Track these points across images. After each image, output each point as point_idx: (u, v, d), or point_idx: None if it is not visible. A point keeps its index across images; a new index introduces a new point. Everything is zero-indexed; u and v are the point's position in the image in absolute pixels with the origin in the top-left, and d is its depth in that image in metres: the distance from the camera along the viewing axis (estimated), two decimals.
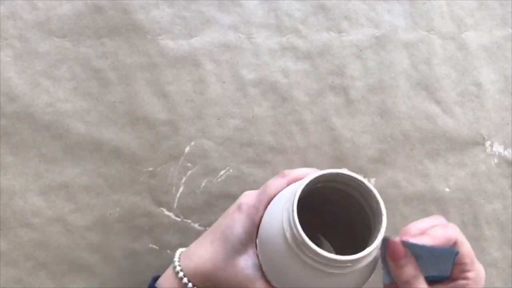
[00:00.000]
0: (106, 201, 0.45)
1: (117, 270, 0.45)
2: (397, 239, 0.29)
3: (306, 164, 0.48)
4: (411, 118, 0.49)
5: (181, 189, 0.46)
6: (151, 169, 0.45)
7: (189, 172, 0.46)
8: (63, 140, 0.45)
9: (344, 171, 0.32)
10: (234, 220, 0.34)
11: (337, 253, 0.31)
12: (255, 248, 0.34)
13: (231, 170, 0.47)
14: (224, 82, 0.47)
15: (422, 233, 0.30)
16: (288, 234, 0.30)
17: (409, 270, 0.29)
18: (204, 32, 0.47)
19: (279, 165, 0.47)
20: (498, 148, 0.51)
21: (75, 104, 0.45)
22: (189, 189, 0.46)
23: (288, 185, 0.36)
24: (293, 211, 0.30)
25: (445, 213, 0.49)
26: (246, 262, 0.33)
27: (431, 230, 0.30)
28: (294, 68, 0.48)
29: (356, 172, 0.48)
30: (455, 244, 0.30)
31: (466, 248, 0.31)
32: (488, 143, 0.51)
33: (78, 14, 0.45)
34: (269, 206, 0.35)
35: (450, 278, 0.31)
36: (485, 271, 0.49)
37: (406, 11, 0.50)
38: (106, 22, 0.46)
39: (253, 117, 0.47)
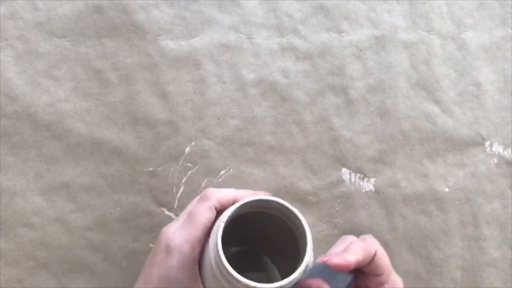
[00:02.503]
0: (106, 201, 0.45)
1: (118, 270, 0.45)
2: (307, 282, 0.28)
3: (306, 164, 0.48)
4: (410, 118, 0.49)
5: (181, 189, 0.46)
6: (151, 169, 0.46)
7: (190, 172, 0.46)
8: (63, 140, 0.45)
9: (268, 197, 0.30)
10: (174, 269, 0.30)
11: (282, 278, 0.29)
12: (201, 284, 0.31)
13: (231, 170, 0.47)
14: (224, 82, 0.47)
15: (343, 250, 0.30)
16: (218, 274, 0.29)
17: None
18: (204, 33, 0.47)
19: (279, 165, 0.47)
20: (497, 148, 0.51)
21: (76, 104, 0.45)
22: (189, 189, 0.46)
23: (211, 209, 0.33)
24: (216, 244, 0.28)
25: (444, 213, 0.49)
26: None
27: (350, 246, 0.30)
28: (294, 68, 0.48)
29: (356, 172, 0.49)
30: (375, 255, 0.30)
31: (384, 261, 0.31)
32: (487, 143, 0.51)
33: (79, 14, 0.45)
34: (206, 243, 0.32)
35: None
36: (485, 271, 0.49)
37: (405, 11, 0.50)
38: (106, 22, 0.46)
39: (253, 117, 0.47)
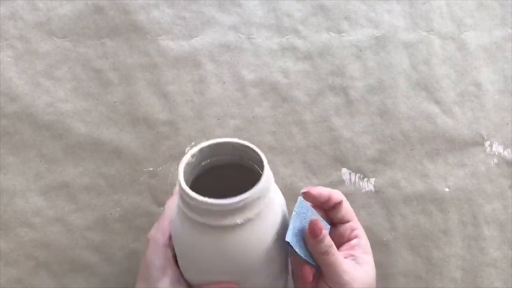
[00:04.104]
0: (106, 201, 0.45)
1: (118, 270, 0.45)
2: (314, 218, 0.32)
3: (306, 164, 0.48)
4: (410, 118, 0.49)
5: None
6: (151, 169, 0.46)
7: None
8: (63, 140, 0.45)
9: (218, 140, 0.33)
10: (149, 255, 0.34)
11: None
12: (173, 267, 0.34)
13: None
14: (224, 82, 0.47)
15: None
16: (179, 202, 0.30)
17: (326, 242, 0.32)
18: (204, 33, 0.47)
19: (279, 165, 0.47)
20: (497, 148, 0.51)
21: (76, 104, 0.45)
22: None
23: None
24: (178, 171, 0.30)
25: (444, 213, 0.49)
26: (167, 282, 0.33)
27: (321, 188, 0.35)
28: (294, 68, 0.48)
29: (356, 172, 0.49)
30: (340, 203, 0.35)
31: (350, 208, 0.35)
32: (487, 143, 0.51)
33: (79, 14, 0.45)
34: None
35: (344, 239, 0.35)
36: (485, 271, 0.49)
37: (405, 11, 0.50)
38: (106, 22, 0.46)
39: (253, 117, 0.47)
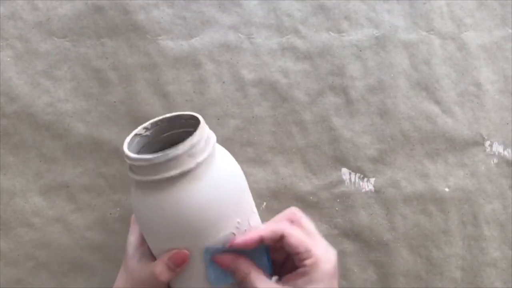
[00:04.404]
0: (106, 201, 0.45)
1: (118, 270, 0.45)
2: (218, 256, 0.32)
3: (306, 164, 0.48)
4: (411, 118, 0.49)
5: None
6: None
7: None
8: (63, 140, 0.45)
9: (176, 113, 0.35)
10: (128, 235, 0.37)
11: None
12: (146, 243, 0.35)
13: None
14: (224, 82, 0.47)
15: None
16: (128, 172, 0.32)
17: (242, 267, 0.32)
18: (204, 32, 0.47)
19: (279, 165, 0.47)
20: (497, 148, 0.51)
21: (76, 104, 0.45)
22: None
23: None
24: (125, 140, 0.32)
25: (444, 213, 0.49)
26: (136, 259, 0.35)
27: (262, 227, 0.34)
28: (294, 68, 0.48)
29: (356, 172, 0.49)
30: (282, 237, 0.33)
31: (294, 240, 0.33)
32: (487, 143, 0.51)
33: (79, 14, 0.45)
34: None
35: (291, 268, 0.34)
36: (485, 271, 0.49)
37: (406, 11, 0.50)
38: (106, 22, 0.46)
39: (253, 117, 0.47)
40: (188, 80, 0.47)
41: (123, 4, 0.46)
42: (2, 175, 0.44)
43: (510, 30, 0.53)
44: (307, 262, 0.32)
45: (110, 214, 0.45)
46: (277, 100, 0.48)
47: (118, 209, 0.45)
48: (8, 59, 0.44)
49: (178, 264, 0.32)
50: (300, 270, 0.33)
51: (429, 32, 0.51)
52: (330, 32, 0.49)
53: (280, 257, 0.36)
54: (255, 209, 0.37)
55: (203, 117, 0.46)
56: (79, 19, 0.45)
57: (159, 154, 0.29)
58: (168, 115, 0.35)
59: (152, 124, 0.35)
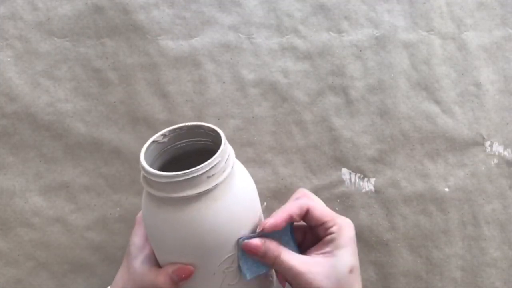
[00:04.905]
0: (106, 201, 0.45)
1: (118, 270, 0.45)
2: (246, 242, 0.33)
3: (306, 164, 0.48)
4: (411, 118, 0.49)
5: None
6: None
7: None
8: (63, 140, 0.45)
9: (196, 123, 0.34)
10: (133, 234, 0.37)
11: None
12: (150, 247, 0.36)
13: None
14: (224, 82, 0.47)
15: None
16: (142, 182, 0.32)
17: (272, 248, 0.33)
18: (204, 32, 0.47)
19: (279, 165, 0.47)
20: (497, 148, 0.51)
21: (76, 104, 0.45)
22: None
23: None
24: (141, 153, 0.32)
25: (444, 213, 0.49)
26: (139, 261, 0.35)
27: (285, 206, 0.35)
28: (294, 68, 0.48)
29: (356, 172, 0.49)
30: (307, 211, 0.35)
31: (319, 211, 0.35)
32: (487, 143, 0.51)
33: (79, 14, 0.45)
34: None
35: (319, 239, 0.36)
36: (485, 271, 0.49)
37: (406, 11, 0.50)
38: (106, 22, 0.46)
39: (253, 117, 0.47)
40: (188, 80, 0.47)
41: (123, 4, 0.46)
42: (2, 175, 0.44)
43: (510, 30, 0.53)
44: (334, 229, 0.34)
45: (110, 214, 0.45)
46: (277, 100, 0.48)
47: (118, 209, 0.45)
48: (8, 59, 0.44)
49: (182, 279, 0.32)
50: (327, 238, 0.34)
51: (429, 32, 0.51)
52: (330, 32, 0.49)
53: (298, 238, 0.38)
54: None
55: (202, 118, 0.47)
56: (79, 19, 0.45)
57: (178, 173, 0.29)
58: (188, 123, 0.35)
59: (170, 131, 0.35)
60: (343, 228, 0.35)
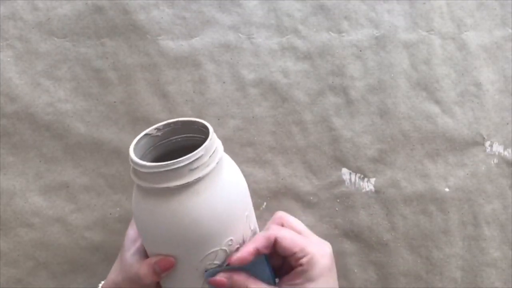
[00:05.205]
0: (106, 201, 0.45)
1: None
2: (212, 278, 0.33)
3: (306, 164, 0.48)
4: (411, 118, 0.49)
5: None
6: None
7: None
8: (63, 140, 0.45)
9: (190, 118, 0.35)
10: (128, 229, 0.37)
11: None
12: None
13: None
14: (224, 82, 0.47)
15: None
16: (131, 173, 0.32)
17: (239, 281, 0.33)
18: (204, 33, 0.47)
19: (279, 165, 0.47)
20: (497, 148, 0.51)
21: (76, 104, 0.45)
22: None
23: None
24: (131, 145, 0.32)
25: (444, 213, 0.49)
26: (131, 253, 0.35)
27: (254, 238, 0.34)
28: (294, 68, 0.48)
29: (356, 172, 0.49)
30: (275, 241, 0.34)
31: (287, 242, 0.34)
32: (487, 143, 0.51)
33: (79, 14, 0.45)
34: None
35: (289, 270, 0.35)
36: (485, 271, 0.49)
37: (406, 11, 0.50)
38: (106, 22, 0.46)
39: (253, 117, 0.47)
40: (188, 80, 0.47)
41: (123, 4, 0.46)
42: (2, 175, 0.44)
43: (510, 30, 0.53)
44: (303, 260, 0.33)
45: (110, 214, 0.45)
46: (277, 100, 0.48)
47: (118, 209, 0.45)
48: (8, 59, 0.44)
49: (163, 270, 0.32)
50: (298, 269, 0.33)
51: (429, 32, 0.51)
52: (330, 32, 0.49)
53: (278, 262, 0.37)
54: (253, 226, 0.36)
55: (202, 118, 0.47)
56: (79, 19, 0.45)
57: (161, 164, 0.29)
58: (182, 118, 0.35)
59: (164, 125, 0.35)
60: (316, 258, 0.33)
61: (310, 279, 0.33)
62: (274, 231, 0.34)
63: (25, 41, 0.45)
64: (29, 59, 0.45)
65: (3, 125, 0.44)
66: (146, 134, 0.34)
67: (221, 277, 0.33)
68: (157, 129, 0.35)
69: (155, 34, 0.46)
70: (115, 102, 0.46)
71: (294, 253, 0.33)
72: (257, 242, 0.33)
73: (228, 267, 0.33)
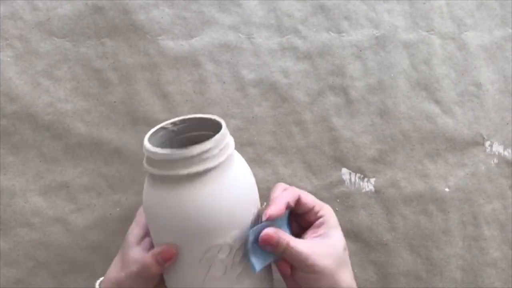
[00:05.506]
0: (106, 201, 0.45)
1: None
2: (265, 232, 0.34)
3: (306, 164, 0.48)
4: (411, 118, 0.49)
5: None
6: None
7: None
8: (63, 140, 0.45)
9: (206, 115, 0.35)
10: (132, 224, 0.38)
11: None
12: (149, 238, 0.36)
13: None
14: (224, 82, 0.47)
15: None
16: (144, 162, 0.33)
17: (282, 236, 0.34)
18: (204, 32, 0.47)
19: (279, 165, 0.47)
20: (497, 148, 0.51)
21: (76, 104, 0.45)
22: None
23: None
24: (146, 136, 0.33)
25: (444, 213, 0.49)
26: (134, 248, 0.35)
27: (281, 195, 0.37)
28: (294, 68, 0.48)
29: (356, 172, 0.49)
30: (299, 198, 0.37)
31: (309, 197, 0.38)
32: (487, 143, 0.51)
33: (79, 14, 0.45)
34: None
35: (310, 224, 0.38)
36: (485, 271, 0.49)
37: (406, 11, 0.50)
38: (106, 22, 0.46)
39: (253, 117, 0.47)
40: (188, 80, 0.47)
41: (123, 4, 0.46)
42: (2, 175, 0.44)
43: (510, 30, 0.53)
44: (322, 212, 0.38)
45: (110, 214, 0.45)
46: (277, 100, 0.48)
47: (118, 209, 0.45)
48: (8, 59, 0.44)
49: (166, 260, 0.32)
50: (319, 221, 0.37)
51: (429, 32, 0.51)
52: (330, 32, 0.49)
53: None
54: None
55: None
56: (79, 19, 0.45)
57: (171, 151, 0.30)
58: (198, 115, 0.36)
59: (181, 120, 0.36)
60: (329, 211, 0.38)
61: (331, 227, 0.37)
62: (296, 189, 0.38)
63: (25, 41, 0.45)
64: (29, 59, 0.45)
65: (3, 125, 0.44)
66: (162, 128, 0.35)
67: (271, 231, 0.33)
68: (174, 123, 0.36)
69: (155, 34, 0.46)
70: (115, 102, 0.46)
71: (313, 207, 0.38)
72: (287, 197, 0.36)
73: (266, 222, 0.33)
